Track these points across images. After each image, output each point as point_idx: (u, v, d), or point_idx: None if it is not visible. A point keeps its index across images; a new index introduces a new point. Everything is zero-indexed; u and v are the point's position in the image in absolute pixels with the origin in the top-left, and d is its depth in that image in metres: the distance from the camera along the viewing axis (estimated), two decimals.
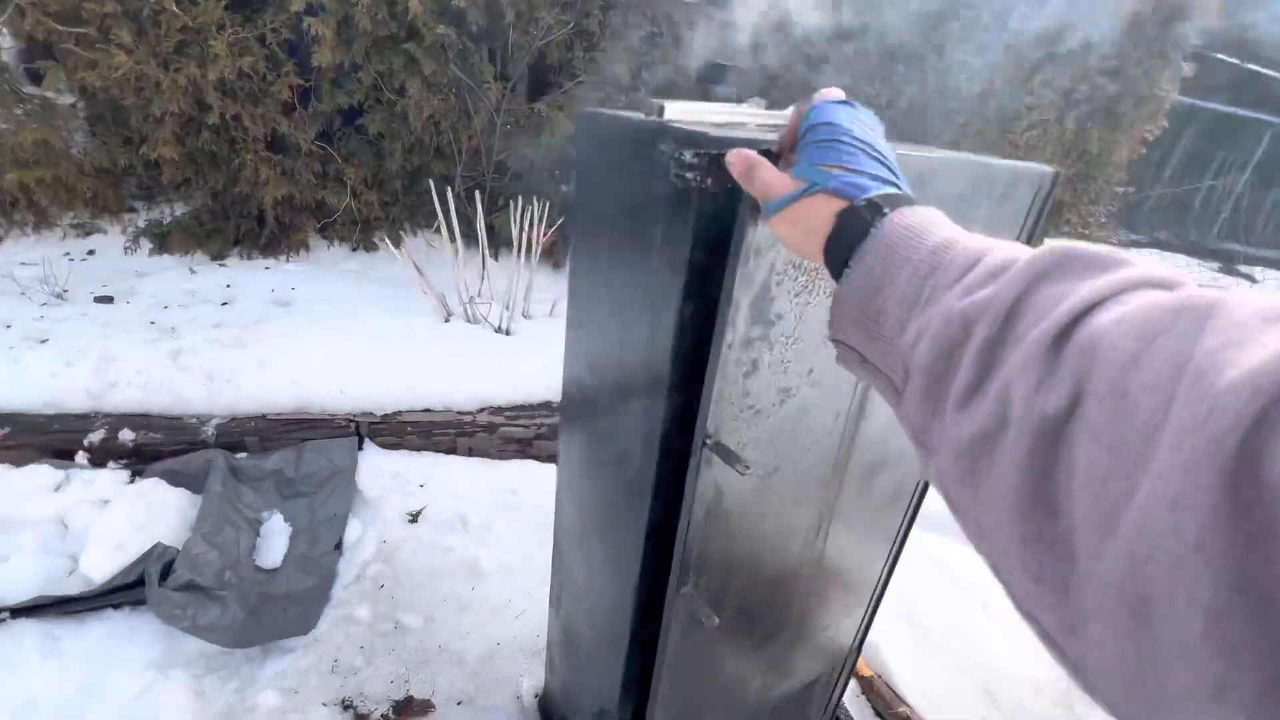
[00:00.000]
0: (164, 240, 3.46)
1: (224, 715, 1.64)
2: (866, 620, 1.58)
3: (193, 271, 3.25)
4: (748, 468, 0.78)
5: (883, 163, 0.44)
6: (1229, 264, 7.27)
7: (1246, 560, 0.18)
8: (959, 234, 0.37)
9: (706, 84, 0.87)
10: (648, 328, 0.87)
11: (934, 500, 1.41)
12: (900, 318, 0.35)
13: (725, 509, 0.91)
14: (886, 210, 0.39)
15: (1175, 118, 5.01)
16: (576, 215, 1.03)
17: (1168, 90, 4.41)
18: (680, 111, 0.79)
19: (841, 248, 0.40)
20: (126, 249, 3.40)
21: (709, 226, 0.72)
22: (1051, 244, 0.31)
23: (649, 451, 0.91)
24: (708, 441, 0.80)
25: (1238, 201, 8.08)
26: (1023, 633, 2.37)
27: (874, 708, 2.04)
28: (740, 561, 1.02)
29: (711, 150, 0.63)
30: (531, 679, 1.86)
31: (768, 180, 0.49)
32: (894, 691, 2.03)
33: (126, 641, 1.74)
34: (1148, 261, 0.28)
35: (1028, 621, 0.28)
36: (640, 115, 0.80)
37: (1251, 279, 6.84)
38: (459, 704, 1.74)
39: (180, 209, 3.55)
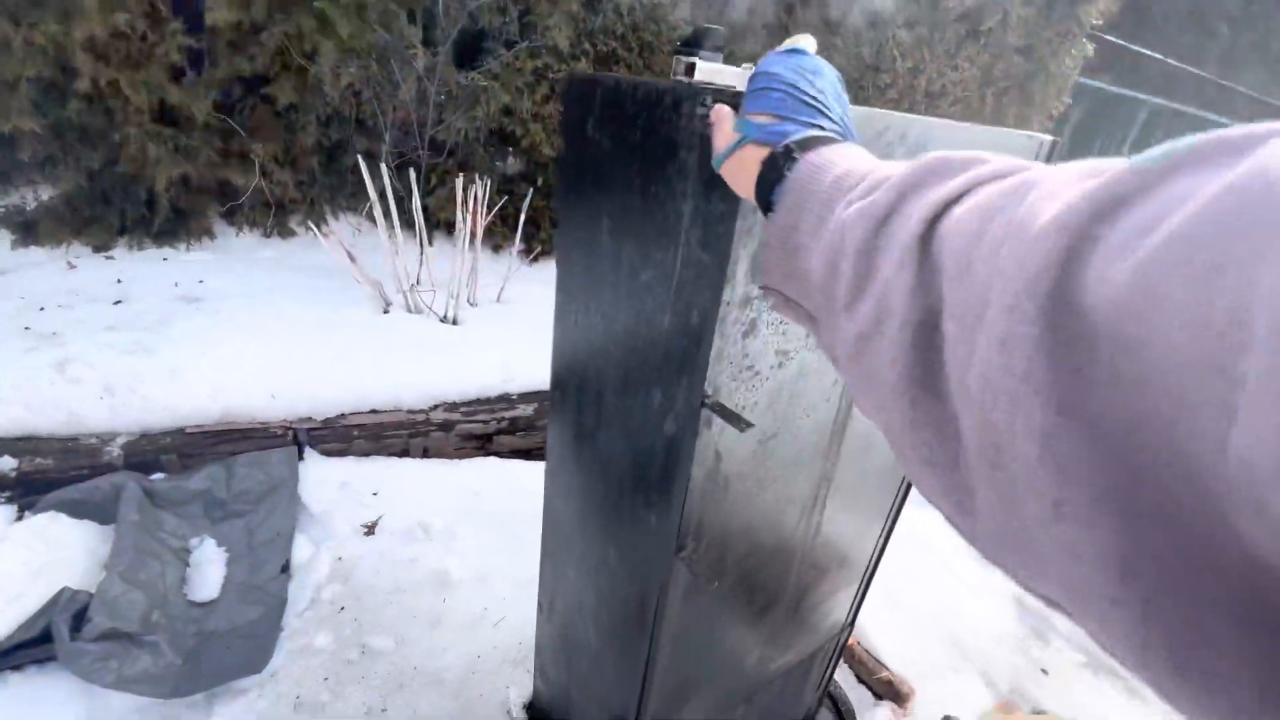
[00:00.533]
0: (30, 230, 2.95)
1: None
2: (860, 594, 1.60)
3: (71, 266, 2.80)
4: (750, 424, 0.76)
5: (817, 107, 0.45)
6: None
7: (1071, 388, 0.19)
8: (863, 162, 0.38)
9: (691, 48, 0.80)
10: (670, 309, 0.81)
11: None
12: (810, 248, 0.37)
13: (724, 473, 0.88)
14: (797, 154, 0.41)
15: (1071, 95, 5.38)
16: (567, 191, 0.96)
17: (1071, 69, 4.72)
18: (705, 73, 0.75)
19: (765, 193, 0.42)
20: None
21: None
22: (927, 154, 0.32)
23: (677, 441, 0.85)
24: (706, 401, 0.77)
25: None
26: (982, 586, 2.51)
27: (856, 675, 2.09)
28: (740, 530, 1.00)
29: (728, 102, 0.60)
30: (518, 689, 1.75)
31: (718, 135, 0.52)
32: (874, 657, 2.09)
33: (33, 708, 1.47)
34: (1005, 157, 0.30)
35: (934, 506, 0.29)
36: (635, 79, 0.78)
37: None
38: None
39: (48, 193, 3.04)
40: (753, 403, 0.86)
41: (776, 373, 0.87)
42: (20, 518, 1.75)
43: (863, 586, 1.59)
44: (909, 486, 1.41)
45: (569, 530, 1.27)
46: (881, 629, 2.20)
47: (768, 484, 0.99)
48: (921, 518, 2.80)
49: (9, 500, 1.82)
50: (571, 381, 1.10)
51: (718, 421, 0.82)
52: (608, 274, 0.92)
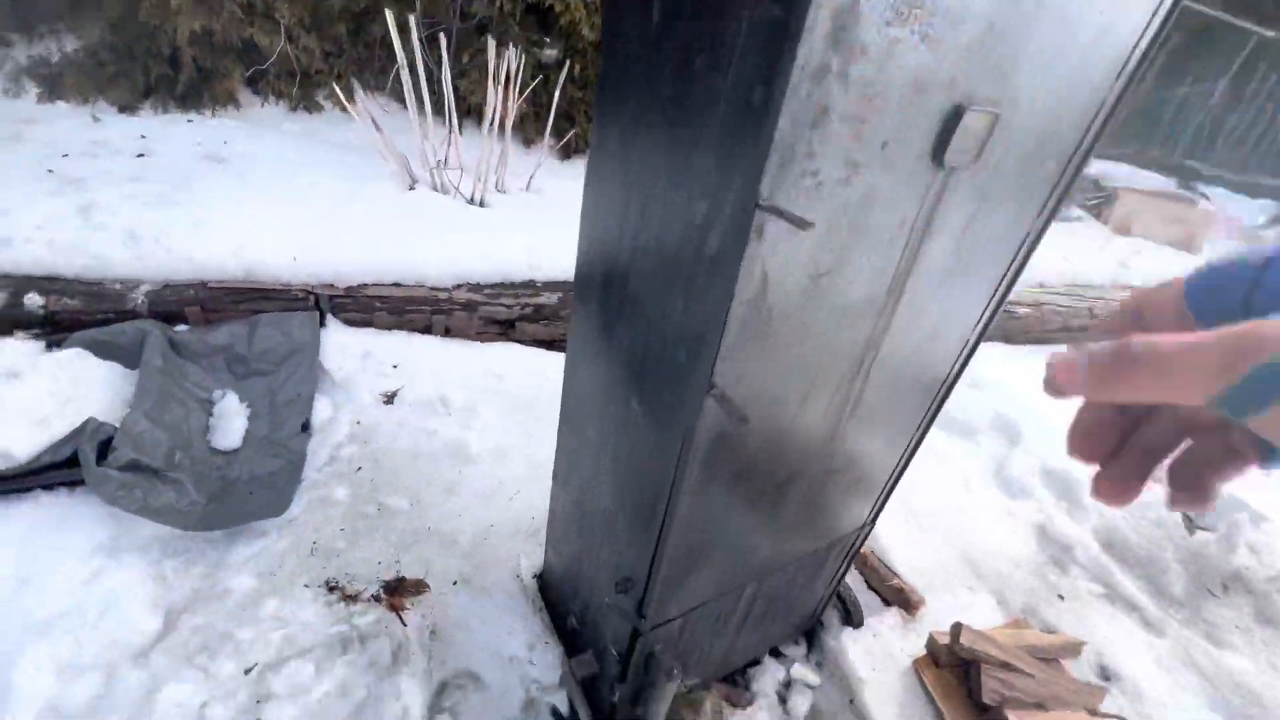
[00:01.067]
0: (55, 84, 2.87)
1: (192, 599, 1.49)
2: (884, 495, 1.53)
3: (96, 119, 2.72)
4: (809, 224, 0.66)
5: None
6: (1187, 181, 7.37)
7: None
8: None
9: None
10: (724, 96, 0.71)
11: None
12: None
13: (769, 304, 0.79)
14: None
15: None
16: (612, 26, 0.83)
17: None
18: None
19: None
20: (6, 91, 2.81)
21: None
22: None
23: (721, 259, 0.75)
24: (761, 203, 0.67)
25: (1206, 115, 8.08)
26: (1003, 511, 2.44)
27: (866, 581, 2.07)
28: (774, 386, 0.90)
29: None
30: (529, 560, 1.77)
31: (1246, 340, 0.23)
32: (887, 566, 2.06)
33: (65, 526, 1.53)
34: None
35: None
36: None
37: (1205, 197, 6.98)
38: (455, 584, 1.64)
39: (71, 44, 2.93)
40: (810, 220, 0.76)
41: (842, 190, 0.75)
42: (49, 351, 1.77)
43: (887, 487, 1.52)
44: (944, 397, 1.33)
45: (590, 388, 1.21)
46: (896, 540, 2.16)
47: (812, 334, 0.90)
48: (945, 439, 2.72)
49: (37, 336, 1.83)
50: (603, 221, 0.99)
51: (770, 234, 0.72)
52: (652, 72, 0.79)
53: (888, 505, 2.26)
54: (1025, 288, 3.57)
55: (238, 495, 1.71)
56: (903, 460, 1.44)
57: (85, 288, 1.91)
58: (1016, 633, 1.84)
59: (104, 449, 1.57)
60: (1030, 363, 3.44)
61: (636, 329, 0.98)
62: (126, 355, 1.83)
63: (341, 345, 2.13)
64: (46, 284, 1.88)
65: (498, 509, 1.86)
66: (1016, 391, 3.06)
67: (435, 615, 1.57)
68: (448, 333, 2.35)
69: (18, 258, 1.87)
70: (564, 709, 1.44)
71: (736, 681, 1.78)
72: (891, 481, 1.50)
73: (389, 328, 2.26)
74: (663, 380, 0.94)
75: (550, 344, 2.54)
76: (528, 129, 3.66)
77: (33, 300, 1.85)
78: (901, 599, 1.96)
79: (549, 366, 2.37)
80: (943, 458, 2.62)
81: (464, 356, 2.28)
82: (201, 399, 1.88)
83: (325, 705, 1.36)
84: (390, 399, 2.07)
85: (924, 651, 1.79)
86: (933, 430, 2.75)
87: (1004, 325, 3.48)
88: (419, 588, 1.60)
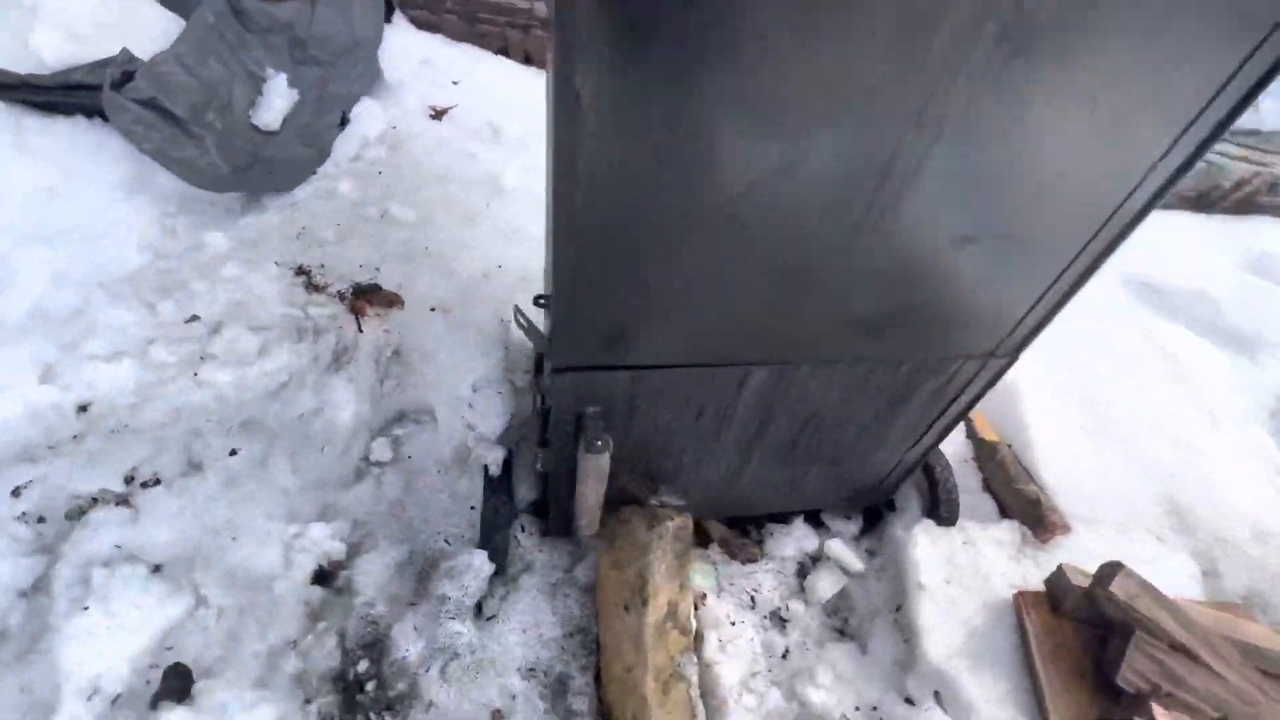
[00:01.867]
0: None
1: (180, 252, 1.40)
2: (1010, 340, 0.90)
3: None
4: None
5: None
6: None
7: None
8: None
9: None
10: None
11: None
12: None
13: None
14: None
15: None
16: None
17: None
18: None
19: None
20: None
21: None
22: None
23: None
24: None
25: None
26: (1262, 463, 1.55)
27: (987, 480, 1.44)
28: None
29: None
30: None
31: None
32: (1023, 468, 1.40)
33: (94, 154, 1.50)
34: None
35: None
36: None
37: None
38: (433, 310, 1.37)
39: None
40: None
41: None
42: None
43: (1015, 330, 0.89)
44: (1108, 237, 0.77)
45: None
46: (1058, 446, 1.46)
47: None
48: (1195, 346, 1.77)
49: None
50: None
51: None
52: None
53: (1062, 404, 1.54)
54: None
55: (258, 172, 1.58)
56: (1041, 300, 0.80)
57: None
58: (1227, 618, 1.13)
59: (126, 79, 1.47)
60: None
61: None
62: (186, 8, 1.71)
63: (402, 46, 1.84)
64: None
65: (514, 253, 1.52)
66: None
67: (404, 336, 1.33)
68: (528, 61, 1.94)
69: None
70: (496, 470, 1.15)
71: (748, 531, 1.35)
72: (1021, 325, 0.86)
73: (459, 38, 1.91)
74: None
75: None
76: None
77: None
78: (1032, 515, 1.32)
79: None
80: (1183, 371, 1.73)
81: (535, 87, 1.87)
82: (254, 73, 1.73)
83: (260, 382, 1.21)
84: (439, 115, 1.77)
85: (1040, 587, 1.18)
86: (1179, 333, 1.81)
87: None
88: (391, 300, 1.35)
